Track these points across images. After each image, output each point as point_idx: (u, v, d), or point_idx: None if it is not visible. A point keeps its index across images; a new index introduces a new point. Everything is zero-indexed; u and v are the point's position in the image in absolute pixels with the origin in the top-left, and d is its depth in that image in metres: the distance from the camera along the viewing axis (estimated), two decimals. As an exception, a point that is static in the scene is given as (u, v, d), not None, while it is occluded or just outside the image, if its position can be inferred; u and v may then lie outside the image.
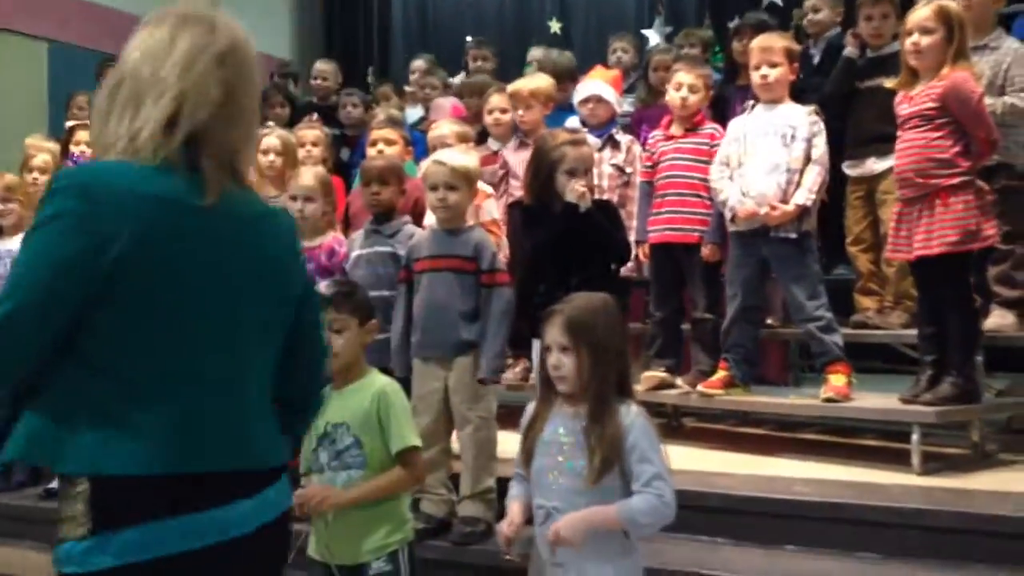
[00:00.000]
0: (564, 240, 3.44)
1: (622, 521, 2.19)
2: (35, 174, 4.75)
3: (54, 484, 4.13)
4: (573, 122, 4.04)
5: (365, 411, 2.56)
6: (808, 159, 3.83)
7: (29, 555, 3.88)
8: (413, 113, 6.02)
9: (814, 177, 3.80)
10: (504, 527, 2.35)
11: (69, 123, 5.61)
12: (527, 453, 2.36)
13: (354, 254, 3.68)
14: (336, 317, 2.59)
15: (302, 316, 1.72)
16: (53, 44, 6.79)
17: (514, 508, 2.38)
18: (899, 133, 3.65)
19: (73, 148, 5.10)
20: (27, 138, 5.26)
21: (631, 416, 2.24)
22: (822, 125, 3.87)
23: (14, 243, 4.38)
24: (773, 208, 3.79)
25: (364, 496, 2.54)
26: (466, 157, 3.50)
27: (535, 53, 6.07)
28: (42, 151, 4.97)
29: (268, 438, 1.64)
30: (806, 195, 3.78)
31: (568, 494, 2.25)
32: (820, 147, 3.84)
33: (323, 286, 2.69)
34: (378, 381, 2.66)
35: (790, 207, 3.79)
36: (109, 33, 6.85)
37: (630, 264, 4.32)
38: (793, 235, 3.82)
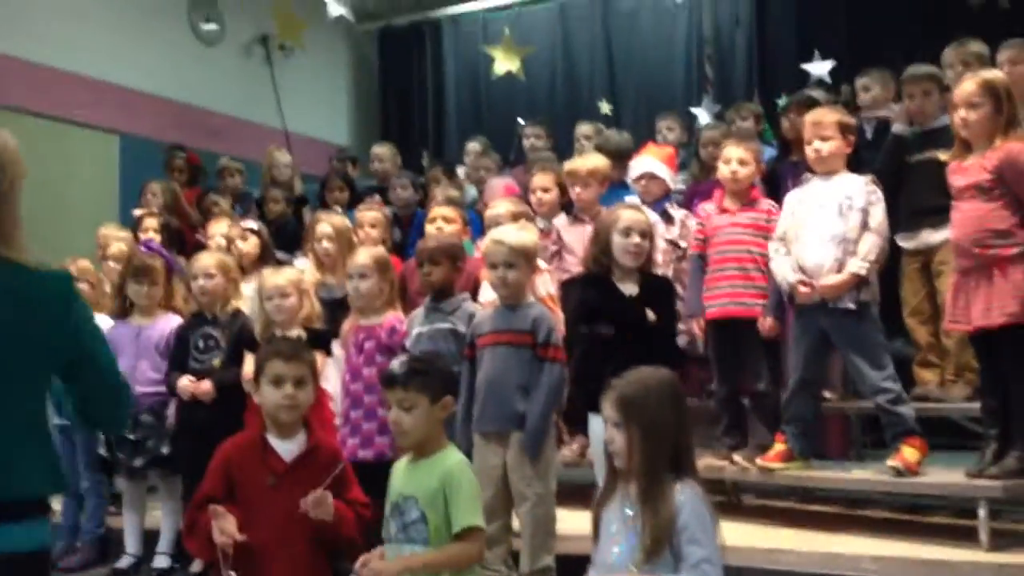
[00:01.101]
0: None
1: None
2: (110, 262, 4.91)
3: (122, 564, 4.21)
4: (633, 199, 4.12)
5: (433, 487, 2.54)
6: (865, 228, 3.81)
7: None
8: (468, 193, 6.16)
9: (869, 245, 3.78)
10: None
11: (137, 212, 5.80)
12: (594, 527, 2.38)
13: (415, 331, 3.74)
14: (404, 396, 2.58)
15: (76, 361, 2.03)
16: (124, 136, 7.08)
17: None
18: (954, 204, 3.65)
19: (141, 235, 5.30)
20: (100, 227, 5.48)
21: (684, 495, 2.22)
22: (880, 194, 3.86)
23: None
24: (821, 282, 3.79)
25: (422, 565, 2.51)
26: (524, 235, 3.58)
27: (583, 129, 6.19)
28: (117, 240, 5.17)
29: (23, 469, 1.90)
30: (860, 264, 3.76)
31: (622, 572, 2.23)
32: (877, 216, 3.82)
33: (396, 364, 2.66)
34: (450, 458, 2.62)
35: (843, 276, 3.77)
36: (175, 125, 7.17)
37: (682, 339, 4.35)
38: (851, 305, 3.78)
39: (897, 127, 4.49)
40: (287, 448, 2.71)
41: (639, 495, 2.25)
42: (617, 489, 2.35)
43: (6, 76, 6.16)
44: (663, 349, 3.58)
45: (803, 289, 3.84)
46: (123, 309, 4.35)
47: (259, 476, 2.65)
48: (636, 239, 3.71)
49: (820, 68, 6.51)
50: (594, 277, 3.97)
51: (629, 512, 2.28)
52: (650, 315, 3.66)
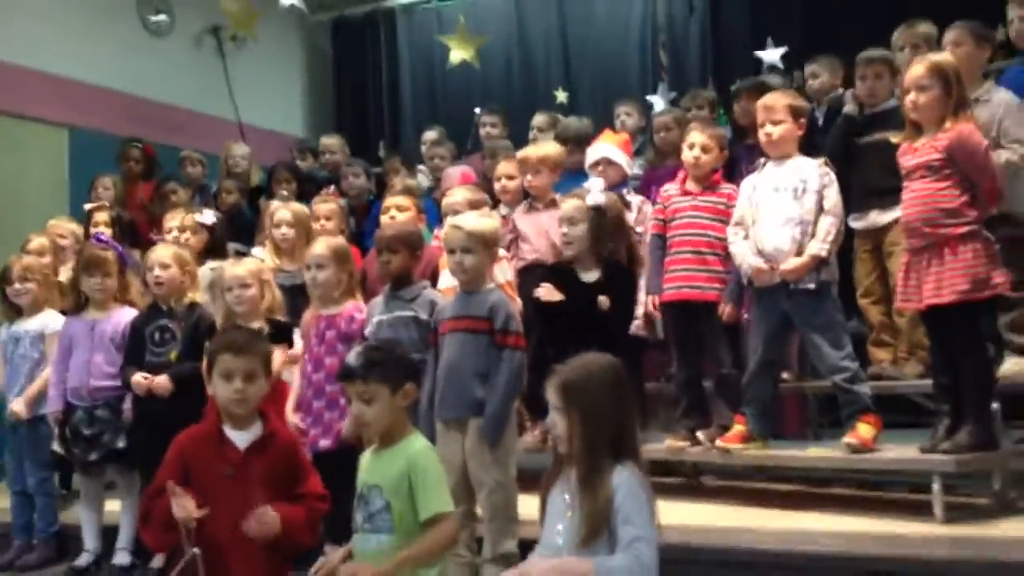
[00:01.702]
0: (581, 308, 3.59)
1: (595, 573, 2.16)
2: (27, 257, 4.75)
3: (80, 561, 4.15)
4: (596, 184, 4.12)
5: (397, 476, 2.53)
6: (820, 210, 3.86)
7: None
8: (424, 182, 6.15)
9: (827, 227, 3.83)
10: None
11: (88, 205, 5.72)
12: (541, 510, 2.42)
13: (375, 319, 3.72)
14: (364, 389, 2.55)
15: None
16: (73, 130, 6.96)
17: None
18: (905, 184, 3.71)
19: (92, 229, 5.22)
20: (50, 220, 5.40)
21: (621, 477, 2.24)
22: (833, 176, 3.90)
23: (32, 323, 4.47)
24: (781, 265, 3.84)
25: (407, 561, 2.47)
26: (482, 220, 3.59)
27: (538, 120, 6.21)
28: (67, 235, 5.10)
29: None
30: (819, 245, 3.81)
31: (561, 554, 2.26)
32: (831, 197, 3.87)
33: (352, 356, 2.62)
34: (414, 446, 2.60)
35: (803, 259, 3.82)
36: (127, 118, 7.07)
37: (638, 323, 4.38)
38: (812, 285, 3.83)
39: (848, 108, 4.54)
40: (243, 438, 2.69)
41: (578, 480, 2.27)
42: (561, 473, 2.38)
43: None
44: (614, 336, 3.61)
45: (764, 268, 3.88)
46: (78, 304, 4.29)
47: (215, 467, 2.62)
48: (564, 228, 3.90)
49: (773, 55, 6.57)
50: (556, 265, 4.01)
51: (567, 498, 2.32)
52: (602, 301, 3.71)
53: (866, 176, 4.36)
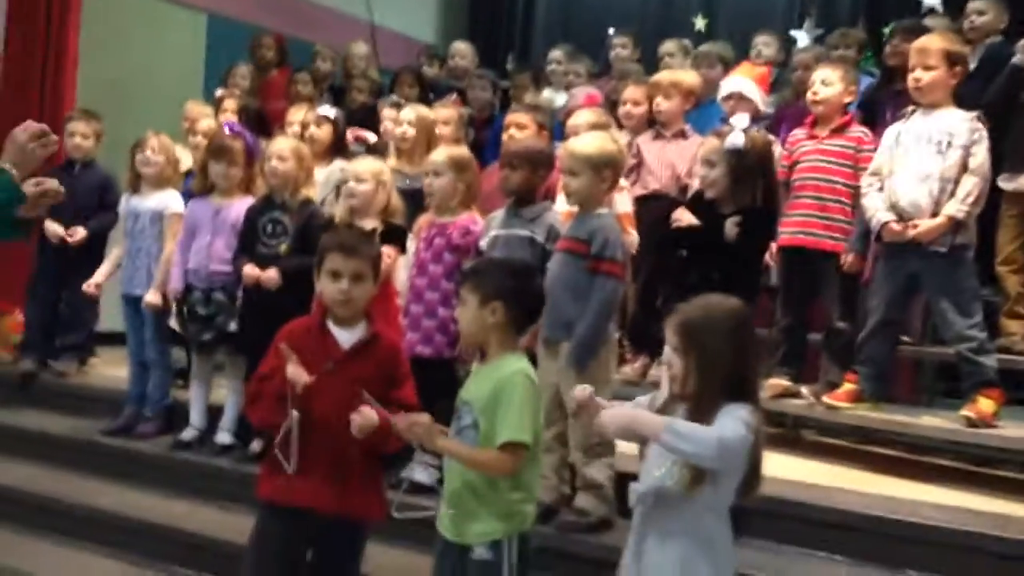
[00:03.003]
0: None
1: (663, 430, 2.08)
2: (199, 137, 4.96)
3: (185, 435, 4.33)
4: (739, 122, 3.84)
5: (486, 394, 2.49)
6: (965, 168, 3.63)
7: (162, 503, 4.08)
8: (558, 99, 6.00)
9: (969, 187, 3.60)
10: None
11: (218, 92, 5.81)
12: (642, 448, 2.33)
13: (492, 233, 3.65)
14: (461, 292, 2.58)
15: None
16: (212, 16, 7.07)
17: None
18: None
19: (220, 116, 5.32)
20: (187, 103, 5.51)
21: (727, 412, 2.13)
22: (984, 133, 3.65)
23: (152, 201, 4.58)
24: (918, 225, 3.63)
25: (451, 452, 2.50)
26: (591, 143, 3.46)
27: (668, 46, 5.99)
28: (206, 116, 5.24)
29: None
30: (957, 207, 3.59)
31: (665, 492, 2.20)
32: (979, 156, 3.63)
33: (466, 264, 2.67)
34: (510, 366, 2.52)
35: (938, 220, 3.61)
36: (263, 8, 7.13)
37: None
38: (943, 249, 3.63)
39: (1018, 58, 4.19)
40: (346, 336, 2.71)
41: (687, 420, 2.18)
42: (673, 412, 2.30)
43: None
44: (737, 276, 3.45)
45: (895, 228, 3.68)
46: (204, 187, 4.38)
47: (317, 361, 2.64)
48: (702, 170, 3.69)
49: (933, -3, 6.15)
50: (697, 196, 3.85)
51: None
52: (729, 228, 3.52)
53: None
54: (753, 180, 3.62)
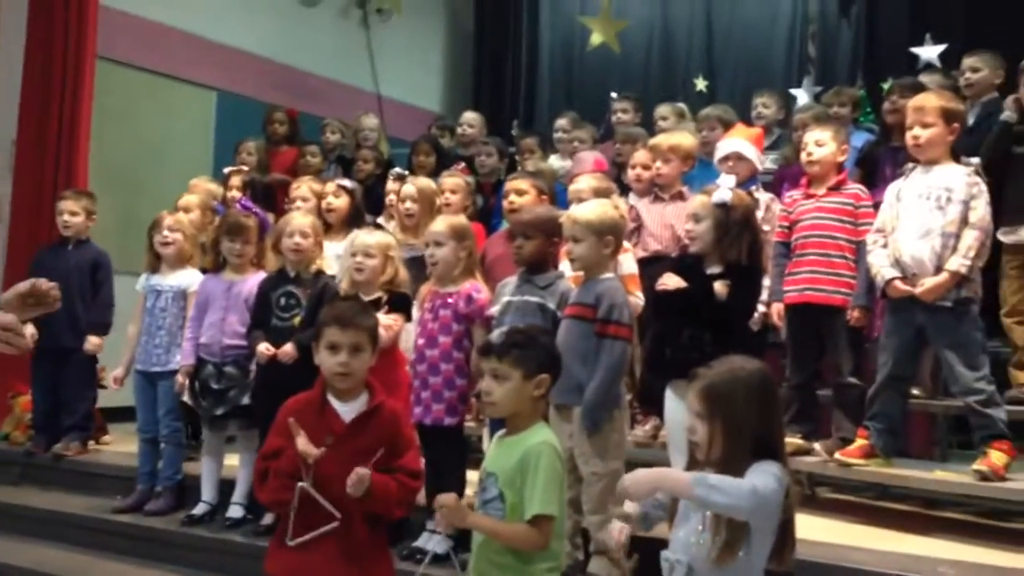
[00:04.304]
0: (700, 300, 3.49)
1: (693, 484, 2.04)
2: (179, 213, 4.94)
3: (196, 511, 4.33)
4: (726, 181, 3.92)
5: (513, 466, 2.48)
6: (966, 222, 3.66)
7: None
8: (563, 166, 6.09)
9: (970, 241, 3.62)
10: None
11: (227, 169, 5.91)
12: (671, 510, 2.30)
13: (504, 299, 3.67)
14: (497, 367, 2.52)
15: None
16: (221, 93, 7.22)
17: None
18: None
19: (228, 192, 5.42)
20: (192, 180, 5.62)
21: (755, 469, 2.10)
22: (983, 187, 3.68)
23: (174, 279, 4.63)
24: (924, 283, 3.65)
25: (483, 529, 2.50)
26: (593, 210, 3.51)
27: (663, 110, 6.08)
28: (196, 191, 5.33)
29: None
30: (960, 261, 3.61)
31: (698, 560, 2.16)
32: (979, 210, 3.65)
33: (496, 333, 2.59)
34: (535, 438, 2.51)
35: (941, 277, 3.63)
36: (271, 84, 7.29)
37: (754, 319, 4.23)
38: (948, 303, 3.64)
39: (1006, 115, 4.27)
40: (347, 409, 2.70)
41: None
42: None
43: (113, 29, 6.30)
44: (728, 334, 3.47)
45: (900, 288, 3.70)
46: (217, 263, 4.45)
47: (318, 436, 2.62)
48: (689, 225, 3.74)
49: (930, 52, 6.26)
50: (683, 256, 3.89)
51: (705, 513, 2.17)
52: (719, 287, 3.55)
53: (1021, 188, 4.10)
54: (739, 234, 3.66)
